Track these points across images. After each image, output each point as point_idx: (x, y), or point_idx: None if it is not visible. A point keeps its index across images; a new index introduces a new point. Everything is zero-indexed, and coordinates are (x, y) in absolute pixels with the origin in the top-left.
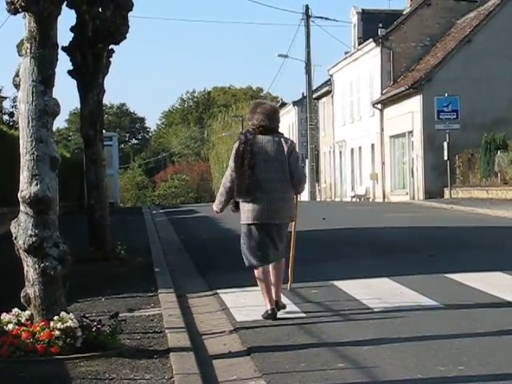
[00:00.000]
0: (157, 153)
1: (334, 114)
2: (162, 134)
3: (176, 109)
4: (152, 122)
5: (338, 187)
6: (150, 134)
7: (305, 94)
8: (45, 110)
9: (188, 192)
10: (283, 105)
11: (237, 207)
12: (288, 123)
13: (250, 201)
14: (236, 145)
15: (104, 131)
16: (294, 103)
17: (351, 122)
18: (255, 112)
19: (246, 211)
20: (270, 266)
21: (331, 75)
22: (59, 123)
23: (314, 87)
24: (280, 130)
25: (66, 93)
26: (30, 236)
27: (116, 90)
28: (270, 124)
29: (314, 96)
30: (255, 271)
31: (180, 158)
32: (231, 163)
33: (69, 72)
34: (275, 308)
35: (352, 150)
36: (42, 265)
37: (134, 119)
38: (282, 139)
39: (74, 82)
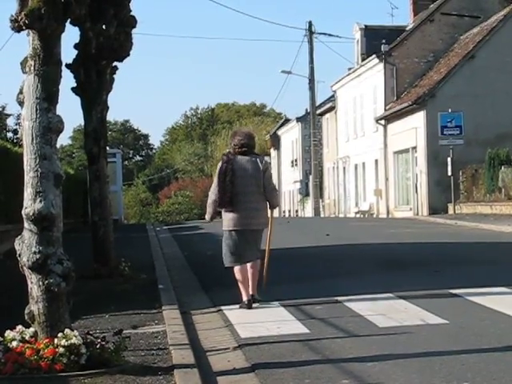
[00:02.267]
0: (160, 169)
1: (337, 130)
2: (166, 150)
3: (180, 125)
4: (156, 139)
5: (341, 203)
6: (154, 151)
7: (308, 110)
8: (49, 127)
9: (192, 208)
10: (287, 121)
11: (219, 214)
12: (291, 139)
13: (231, 210)
14: (220, 164)
15: (108, 148)
16: (298, 119)
17: (355, 137)
18: (235, 136)
19: (227, 219)
20: (248, 265)
21: (335, 91)
22: (63, 140)
23: (317, 103)
24: (283, 145)
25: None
26: (34, 253)
27: (120, 107)
28: (248, 143)
29: (318, 112)
30: (234, 269)
31: (184, 174)
32: (215, 179)
33: (72, 89)
34: (251, 300)
35: (356, 165)
36: (46, 282)
37: (138, 136)
38: (258, 159)
39: (77, 99)
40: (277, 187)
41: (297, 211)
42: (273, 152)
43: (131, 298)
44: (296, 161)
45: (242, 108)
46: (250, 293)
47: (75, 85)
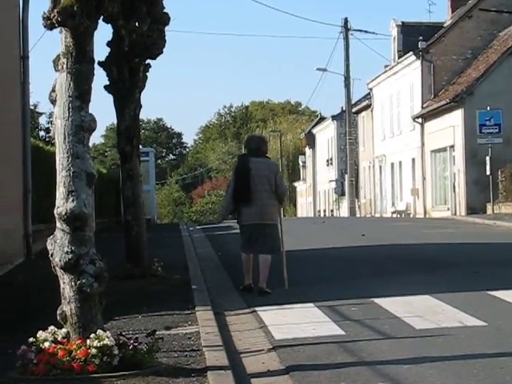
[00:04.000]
0: (194, 168)
1: (373, 129)
2: (199, 149)
3: (213, 124)
4: (189, 138)
5: (377, 203)
6: (187, 150)
7: (344, 108)
8: (81, 125)
9: None
10: (322, 119)
11: (232, 214)
12: (327, 138)
13: (246, 206)
14: (236, 164)
15: (140, 147)
16: (333, 117)
17: (391, 136)
18: (250, 141)
19: (243, 214)
20: (260, 258)
21: (371, 89)
22: (95, 139)
23: (353, 101)
24: (319, 144)
25: (103, 108)
26: (67, 253)
27: (153, 105)
28: (262, 147)
29: (354, 110)
30: (242, 255)
31: (217, 173)
32: (233, 177)
33: (105, 87)
34: (251, 283)
35: (392, 164)
36: (79, 282)
37: (171, 134)
38: (270, 161)
39: (110, 97)
40: (286, 186)
41: (332, 211)
42: (308, 151)
43: (164, 298)
44: (331, 160)
45: (276, 106)
46: (260, 285)
47: (108, 83)
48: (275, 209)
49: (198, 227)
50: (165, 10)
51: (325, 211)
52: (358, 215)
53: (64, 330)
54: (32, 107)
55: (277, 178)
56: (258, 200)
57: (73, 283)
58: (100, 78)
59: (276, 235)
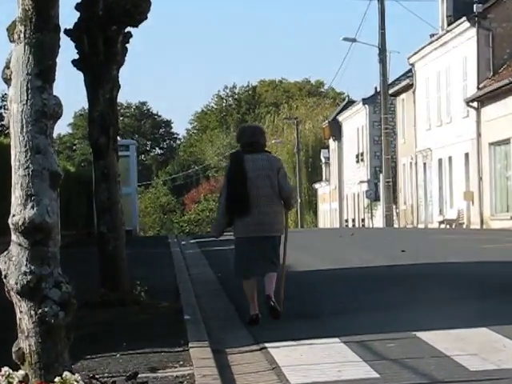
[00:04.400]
0: (187, 166)
1: (416, 115)
2: (194, 141)
3: (211, 109)
4: (180, 127)
5: (421, 210)
6: (178, 142)
7: (378, 90)
8: (43, 111)
9: None
10: (350, 103)
11: (230, 226)
12: (356, 127)
13: (243, 216)
14: (228, 164)
15: (119, 138)
16: (365, 101)
17: (439, 124)
18: (243, 133)
19: (238, 225)
20: (263, 279)
21: (412, 65)
22: (61, 128)
23: (390, 80)
24: (346, 135)
25: (71, 89)
26: (25, 274)
27: (135, 86)
28: (259, 140)
29: (391, 92)
30: (243, 282)
31: (217, 172)
32: (225, 182)
33: (74, 62)
34: (258, 314)
35: (440, 161)
36: (40, 311)
37: (158, 123)
38: (270, 157)
39: (80, 75)
40: (292, 187)
41: (363, 220)
42: (332, 143)
43: (149, 331)
44: (362, 155)
45: (291, 86)
46: (266, 293)
47: (77, 57)
48: (279, 217)
49: (192, 241)
50: None
51: (354, 221)
52: (396, 226)
53: (21, 372)
54: None
55: (279, 176)
56: (257, 207)
57: (32, 312)
58: (67, 50)
59: (277, 247)
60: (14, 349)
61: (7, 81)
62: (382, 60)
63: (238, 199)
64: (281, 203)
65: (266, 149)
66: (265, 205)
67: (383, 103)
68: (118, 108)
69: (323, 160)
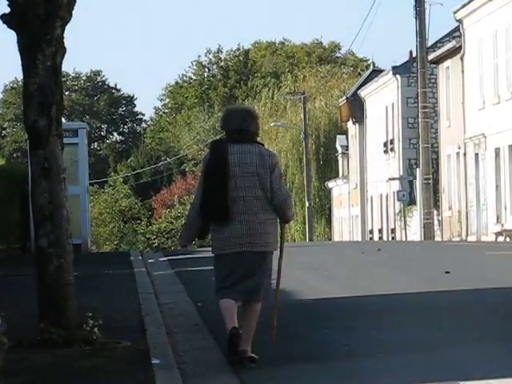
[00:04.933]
0: (155, 157)
1: (464, 89)
2: (165, 124)
3: (189, 81)
4: (147, 105)
5: (471, 217)
6: (144, 125)
7: (414, 55)
8: None
9: None
10: (376, 73)
11: (202, 234)
12: (385, 105)
13: (224, 225)
14: (206, 156)
15: (64, 120)
16: (395, 70)
17: (496, 102)
18: (228, 118)
19: (218, 238)
20: (243, 306)
21: (460, 21)
22: None
23: (430, 42)
24: (370, 116)
25: None
26: None
27: (86, 50)
28: (249, 128)
29: (431, 57)
30: (220, 302)
31: (196, 166)
32: (201, 179)
33: (3, 17)
34: (237, 327)
35: (497, 151)
36: None
37: (116, 99)
38: (263, 150)
39: (11, 35)
40: (289, 191)
41: (393, 231)
42: (351, 127)
43: (104, 380)
44: (392, 143)
45: (297, 50)
46: (242, 347)
47: (7, 10)
48: (272, 227)
49: (163, 258)
50: None
51: (380, 232)
52: (438, 239)
53: None
54: None
55: (273, 177)
56: (244, 213)
57: None
58: None
59: (270, 270)
60: None
61: None
62: (420, 14)
63: (217, 201)
64: (273, 211)
65: (259, 139)
66: (252, 211)
67: (420, 73)
68: (64, 79)
69: (339, 150)
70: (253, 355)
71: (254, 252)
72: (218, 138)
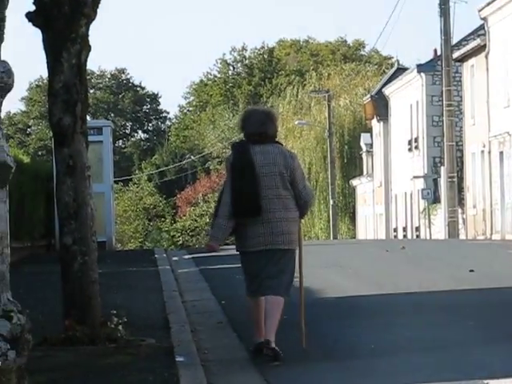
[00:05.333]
0: (180, 155)
1: (489, 88)
2: (189, 122)
3: (214, 79)
4: (172, 103)
5: (496, 216)
6: (169, 123)
7: (439, 53)
8: None
9: None
10: (401, 71)
11: (232, 234)
12: (409, 103)
13: (248, 224)
14: (230, 158)
15: (89, 118)
16: (420, 68)
17: None
18: (248, 119)
19: (242, 236)
20: (266, 299)
21: (485, 19)
22: (10, 105)
23: (454, 40)
24: (394, 114)
25: (25, 52)
26: None
27: (110, 48)
28: (268, 131)
29: (455, 56)
30: (248, 300)
31: (220, 163)
32: (228, 180)
33: (28, 16)
34: (264, 342)
35: None
36: None
37: (141, 97)
38: (284, 151)
39: (37, 33)
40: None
41: (418, 229)
42: (376, 125)
43: (128, 379)
44: (416, 141)
45: (322, 48)
46: (266, 338)
47: (33, 8)
48: (295, 226)
49: (187, 256)
50: None
51: (405, 230)
52: (462, 237)
53: None
54: None
55: (296, 176)
56: (267, 212)
57: None
58: (21, 0)
59: (293, 266)
60: None
61: None
62: (444, 12)
63: (248, 198)
64: (296, 210)
65: (283, 138)
66: (275, 210)
67: (445, 71)
68: (89, 77)
69: (364, 148)
70: (276, 348)
71: (276, 250)
72: (237, 140)
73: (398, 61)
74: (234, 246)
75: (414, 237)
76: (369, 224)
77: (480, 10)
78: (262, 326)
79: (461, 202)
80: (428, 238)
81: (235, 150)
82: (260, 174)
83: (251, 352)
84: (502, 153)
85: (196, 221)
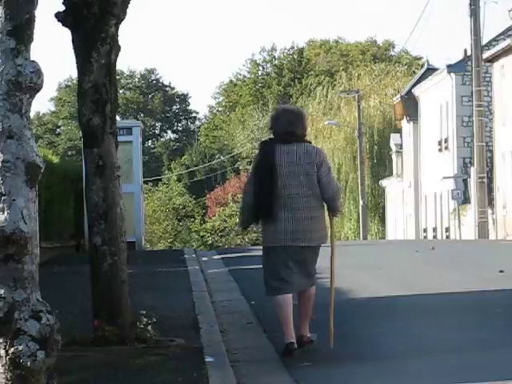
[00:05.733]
0: (209, 155)
1: None
2: (219, 122)
3: (243, 79)
4: (201, 103)
5: None
6: (198, 124)
7: (469, 53)
8: (17, 81)
9: None
10: (431, 71)
11: (257, 220)
12: (439, 103)
13: (272, 220)
14: (256, 156)
15: (119, 118)
16: (450, 68)
17: None
18: (278, 118)
19: (267, 232)
20: (298, 296)
21: None
22: (40, 105)
23: (484, 40)
24: (424, 114)
25: (54, 52)
26: None
27: (140, 48)
28: (296, 131)
29: (486, 56)
30: (274, 300)
31: (249, 164)
32: (250, 177)
33: (58, 16)
34: (294, 343)
35: None
36: (13, 349)
37: (171, 97)
38: (310, 148)
39: (66, 33)
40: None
41: (447, 230)
42: (405, 126)
43: (158, 378)
44: (446, 142)
45: (352, 48)
46: (300, 333)
47: (62, 8)
48: (319, 224)
49: (216, 256)
50: None
51: (435, 230)
52: (492, 237)
53: None
54: None
55: (321, 173)
56: (290, 211)
57: (2, 352)
58: (50, 1)
59: (315, 259)
60: None
61: None
62: (475, 13)
63: (262, 202)
64: (322, 207)
65: (312, 138)
66: (298, 208)
67: (475, 72)
68: (118, 77)
69: (394, 148)
70: (312, 338)
71: (298, 247)
72: (266, 138)
73: (427, 61)
74: (260, 248)
75: (444, 237)
76: (398, 224)
77: (510, 11)
78: (290, 325)
79: (491, 202)
80: (458, 238)
81: (261, 149)
82: (283, 173)
83: (281, 353)
84: None
85: (225, 221)
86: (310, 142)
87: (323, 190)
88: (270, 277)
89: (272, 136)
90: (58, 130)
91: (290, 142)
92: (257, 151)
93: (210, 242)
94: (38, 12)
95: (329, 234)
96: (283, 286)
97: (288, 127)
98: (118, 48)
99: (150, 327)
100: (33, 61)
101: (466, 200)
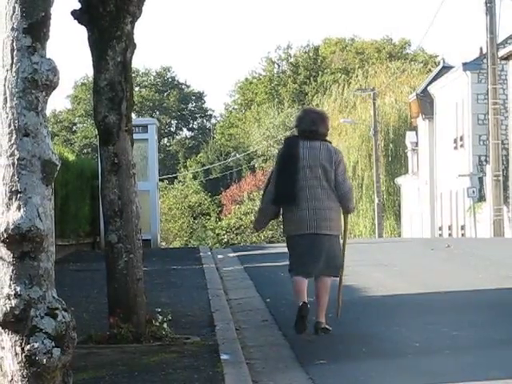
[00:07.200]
0: (225, 153)
1: None
2: (235, 120)
3: (259, 77)
4: (217, 101)
5: None
6: (214, 121)
7: (484, 51)
8: (33, 78)
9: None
10: (446, 69)
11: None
12: (455, 101)
13: (293, 210)
14: (281, 149)
15: (134, 116)
16: (466, 66)
17: None
18: (303, 118)
19: (288, 222)
20: (315, 282)
21: None
22: (56, 102)
23: (500, 38)
24: (440, 112)
25: (70, 50)
26: (8, 297)
27: (156, 46)
28: (319, 130)
29: (501, 54)
30: (294, 279)
31: (265, 162)
32: (275, 169)
33: (74, 13)
34: (307, 303)
35: None
36: (28, 347)
37: (186, 95)
38: (330, 147)
39: (82, 31)
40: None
41: (463, 228)
42: (421, 124)
43: (173, 376)
44: (462, 139)
45: (367, 46)
46: (317, 319)
47: (78, 6)
48: (336, 214)
49: (232, 254)
50: None
51: (450, 228)
52: (508, 235)
53: None
54: None
55: (338, 171)
56: (311, 201)
57: (18, 349)
58: None
59: (338, 250)
60: None
61: None
62: (490, 10)
63: (286, 189)
64: (337, 201)
65: (329, 136)
66: (318, 199)
67: (491, 69)
68: (134, 75)
69: (409, 146)
70: (327, 326)
71: (319, 234)
72: (288, 134)
73: (443, 59)
74: (278, 245)
75: (460, 235)
76: (414, 222)
77: None
78: (302, 293)
79: (506, 200)
80: (473, 236)
81: (286, 143)
82: (305, 165)
83: (296, 315)
84: None
85: (241, 219)
86: (331, 142)
87: (338, 187)
88: (293, 262)
89: (296, 133)
90: (74, 127)
91: (312, 139)
92: (281, 146)
93: (226, 239)
94: (53, 10)
95: (341, 226)
96: (301, 269)
97: (312, 126)
98: (134, 46)
99: (165, 325)
100: (49, 58)
101: (481, 198)
